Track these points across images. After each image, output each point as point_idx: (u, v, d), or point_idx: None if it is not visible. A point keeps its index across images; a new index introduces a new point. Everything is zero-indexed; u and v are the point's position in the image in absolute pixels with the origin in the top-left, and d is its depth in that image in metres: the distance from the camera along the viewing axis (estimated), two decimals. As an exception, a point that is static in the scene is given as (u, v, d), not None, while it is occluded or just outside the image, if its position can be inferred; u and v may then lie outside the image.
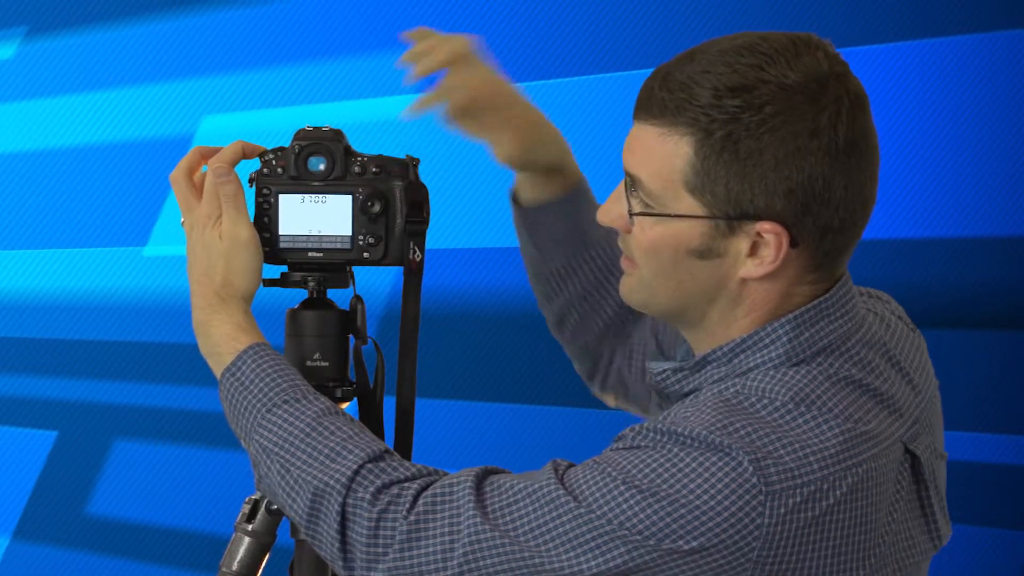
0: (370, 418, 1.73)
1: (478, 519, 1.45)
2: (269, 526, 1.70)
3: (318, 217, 1.67)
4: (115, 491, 3.12)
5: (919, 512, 1.52)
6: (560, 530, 1.43)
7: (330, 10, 3.04)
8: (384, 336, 1.77)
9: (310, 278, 1.69)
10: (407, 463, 1.52)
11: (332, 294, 1.71)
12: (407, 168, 1.68)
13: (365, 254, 1.68)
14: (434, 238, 1.72)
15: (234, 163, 1.64)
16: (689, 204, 1.46)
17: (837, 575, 1.43)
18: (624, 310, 1.79)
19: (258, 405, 1.56)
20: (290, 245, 1.68)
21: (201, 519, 3.12)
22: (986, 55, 3.09)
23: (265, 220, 1.67)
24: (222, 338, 1.60)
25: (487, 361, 3.12)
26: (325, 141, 1.67)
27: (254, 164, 1.68)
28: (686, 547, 1.39)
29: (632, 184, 1.50)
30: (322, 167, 1.67)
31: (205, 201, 1.63)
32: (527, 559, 1.44)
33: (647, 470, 1.41)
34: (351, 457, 1.51)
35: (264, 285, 1.66)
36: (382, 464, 1.51)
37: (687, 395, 1.53)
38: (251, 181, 1.67)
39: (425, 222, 1.68)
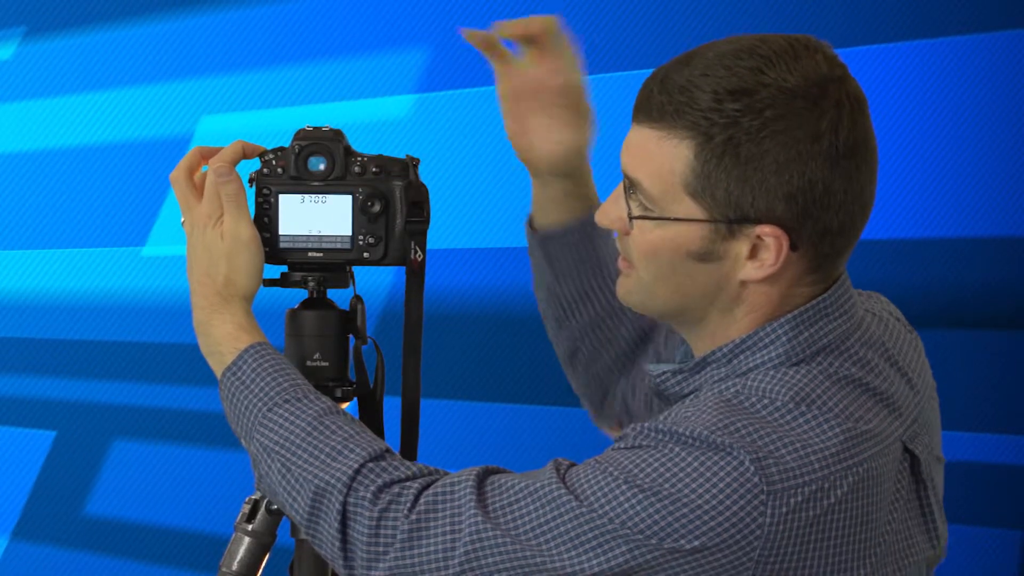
0: (370, 418, 1.73)
1: (479, 518, 1.45)
2: (269, 526, 1.70)
3: (318, 217, 1.67)
4: (114, 491, 3.12)
5: (918, 512, 1.52)
6: (561, 529, 1.43)
7: (330, 10, 3.04)
8: (384, 336, 1.77)
9: (310, 278, 1.69)
10: (408, 462, 1.52)
11: (332, 294, 1.71)
12: (407, 168, 1.68)
13: (365, 254, 1.68)
14: (434, 238, 1.72)
15: (234, 163, 1.64)
16: (689, 207, 1.46)
17: (838, 574, 1.43)
18: (636, 340, 1.78)
19: (259, 404, 1.56)
20: (290, 245, 1.68)
21: (201, 519, 3.11)
22: (986, 55, 3.09)
23: (265, 220, 1.67)
24: (223, 337, 1.60)
25: (487, 361, 3.12)
26: (325, 141, 1.67)
27: (254, 164, 1.68)
28: (688, 546, 1.39)
29: (631, 186, 1.50)
30: (322, 167, 1.67)
31: (206, 201, 1.63)
32: (528, 558, 1.44)
33: (649, 469, 1.41)
34: (352, 456, 1.51)
35: (264, 285, 1.65)
36: (383, 463, 1.51)
37: (687, 396, 1.53)
38: (251, 181, 1.67)
39: (426, 222, 1.68)
